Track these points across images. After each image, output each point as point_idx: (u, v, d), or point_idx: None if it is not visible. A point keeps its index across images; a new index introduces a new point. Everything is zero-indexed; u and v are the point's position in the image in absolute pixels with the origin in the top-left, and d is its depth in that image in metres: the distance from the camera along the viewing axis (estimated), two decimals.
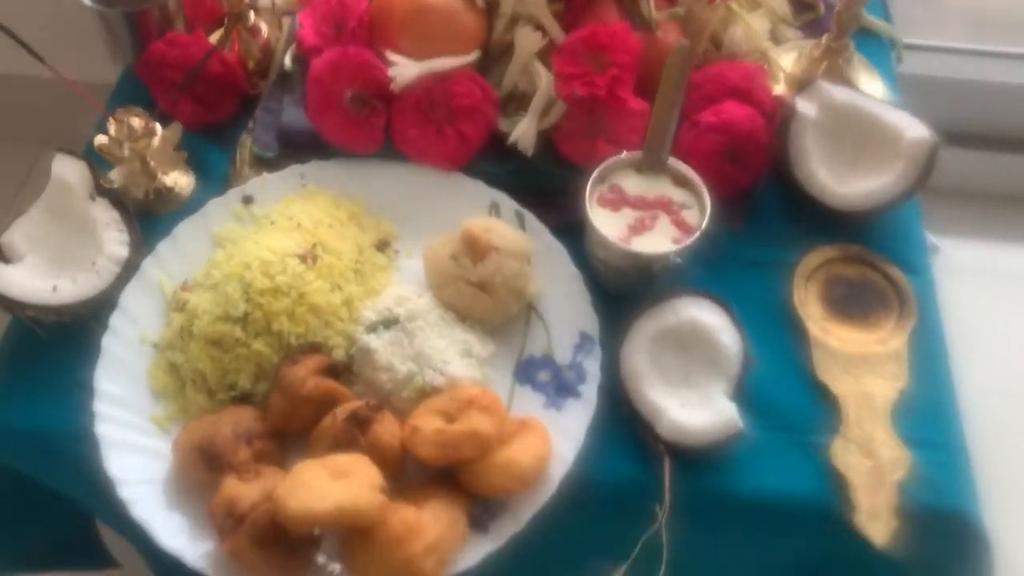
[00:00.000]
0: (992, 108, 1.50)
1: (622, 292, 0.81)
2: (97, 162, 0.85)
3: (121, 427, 0.73)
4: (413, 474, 0.72)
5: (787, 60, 0.94)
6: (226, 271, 0.76)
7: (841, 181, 0.85)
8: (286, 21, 0.97)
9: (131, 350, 0.77)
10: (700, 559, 0.76)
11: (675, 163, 0.79)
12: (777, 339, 0.80)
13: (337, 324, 0.77)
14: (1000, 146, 1.56)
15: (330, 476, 0.65)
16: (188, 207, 0.87)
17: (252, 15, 0.94)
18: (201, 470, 0.70)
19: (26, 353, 0.79)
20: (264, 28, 0.96)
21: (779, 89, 0.93)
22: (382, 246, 0.84)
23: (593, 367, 0.76)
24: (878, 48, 1.02)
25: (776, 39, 0.96)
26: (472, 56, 0.87)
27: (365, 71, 0.85)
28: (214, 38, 0.93)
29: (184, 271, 0.81)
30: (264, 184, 0.86)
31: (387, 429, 0.70)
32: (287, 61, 0.93)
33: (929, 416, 0.77)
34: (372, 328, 0.76)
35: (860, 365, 0.79)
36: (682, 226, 0.77)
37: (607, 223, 0.77)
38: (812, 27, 1.00)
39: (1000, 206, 1.58)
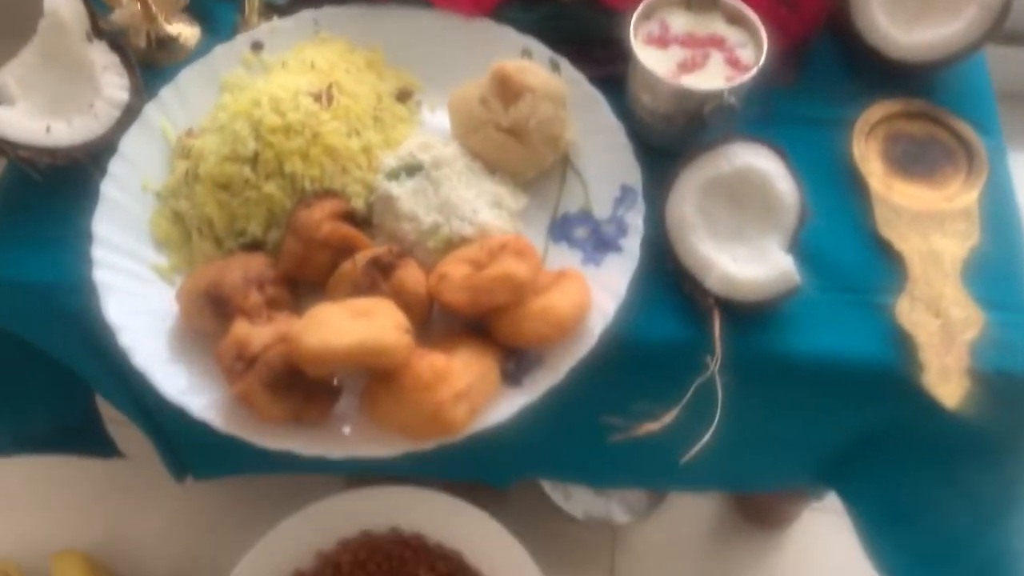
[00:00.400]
0: None
1: (668, 147, 0.74)
2: (98, 6, 0.78)
3: (121, 274, 0.67)
4: (440, 326, 0.66)
5: None
6: (234, 110, 0.69)
7: (905, 30, 0.78)
8: None
9: (132, 197, 0.71)
10: (752, 424, 0.70)
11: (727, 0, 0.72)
12: (836, 196, 0.74)
13: (355, 171, 0.70)
14: None
15: (350, 316, 0.59)
16: (194, 58, 0.80)
17: None
18: (208, 317, 0.64)
19: (22, 201, 0.73)
20: None
21: None
22: (403, 97, 0.77)
23: (635, 220, 0.70)
24: None
25: None
26: None
27: None
28: None
29: (189, 119, 0.75)
30: (274, 30, 0.79)
31: (411, 275, 0.64)
32: None
33: (1001, 276, 0.70)
34: (394, 175, 0.70)
35: (927, 222, 0.72)
36: (736, 64, 0.70)
37: (653, 61, 0.70)
38: None
39: None
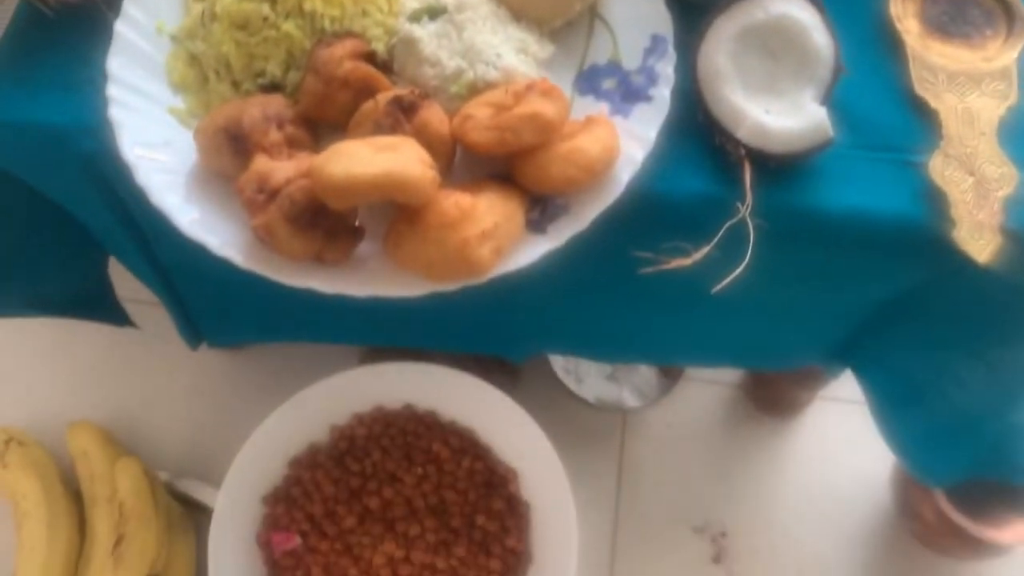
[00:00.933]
0: None
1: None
2: None
3: (137, 113, 0.65)
4: (464, 174, 0.65)
5: None
6: None
7: None
8: None
9: (147, 39, 0.69)
10: (777, 287, 0.69)
11: None
12: (871, 53, 0.72)
13: (376, 14, 0.68)
14: None
15: (374, 150, 0.57)
16: None
17: None
18: (227, 155, 0.62)
19: (35, 42, 0.70)
20: None
21: None
22: None
23: (666, 69, 0.67)
24: None
25: None
26: None
27: None
28: None
29: None
30: None
31: (435, 115, 0.62)
32: None
33: None
34: (416, 17, 0.68)
35: (964, 82, 0.70)
36: None
37: None
38: None
39: None
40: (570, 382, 1.11)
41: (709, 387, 1.15)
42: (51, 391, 1.15)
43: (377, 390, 1.01)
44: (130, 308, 0.95)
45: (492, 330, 0.85)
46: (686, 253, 0.59)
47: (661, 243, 0.62)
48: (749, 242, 0.59)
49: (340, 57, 0.63)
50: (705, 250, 0.59)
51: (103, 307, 0.92)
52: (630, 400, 1.11)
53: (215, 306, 0.85)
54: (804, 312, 0.77)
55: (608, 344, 0.86)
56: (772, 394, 1.11)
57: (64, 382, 1.15)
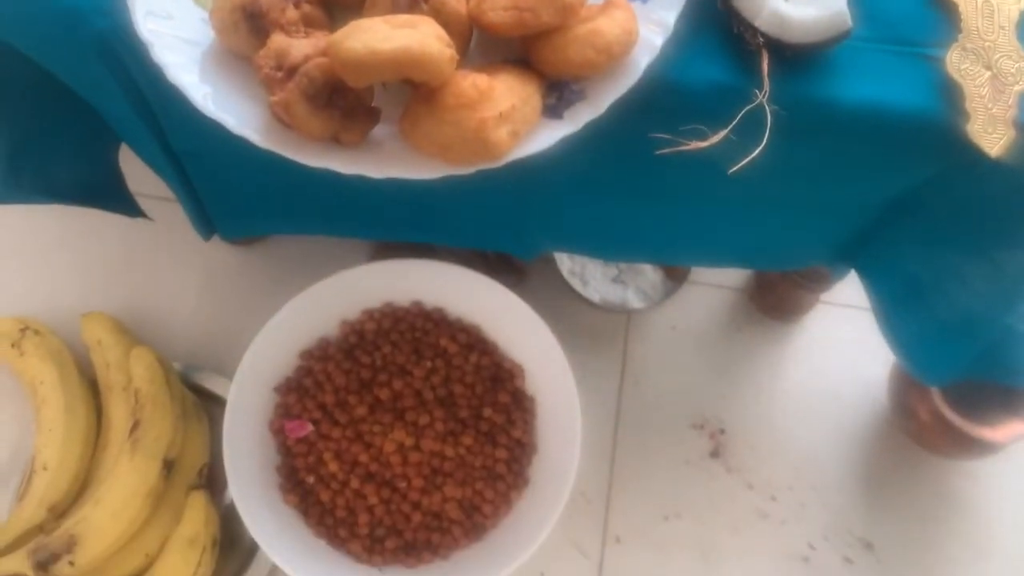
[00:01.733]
0: None
1: None
2: None
3: None
4: (480, 56, 0.65)
5: None
6: None
7: None
8: None
9: None
10: (788, 182, 0.70)
11: None
12: None
13: None
14: None
15: (392, 26, 0.57)
16: None
17: None
18: (244, 33, 0.62)
19: None
20: None
21: None
22: None
23: None
24: None
25: None
26: None
27: None
28: None
29: None
30: None
31: None
32: None
33: None
34: None
35: None
36: None
37: None
38: None
39: None
40: (576, 283, 1.13)
41: (713, 290, 1.16)
42: (65, 282, 1.16)
43: (386, 286, 1.02)
44: (142, 203, 0.95)
45: (503, 225, 0.86)
46: (703, 136, 0.59)
47: (678, 129, 0.62)
48: (766, 128, 0.60)
49: None
50: (723, 133, 0.60)
51: (114, 196, 0.92)
52: (634, 301, 1.12)
53: (228, 196, 0.85)
54: (813, 210, 0.77)
55: (619, 241, 0.87)
56: (775, 297, 1.13)
57: (78, 273, 1.16)
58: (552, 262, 1.12)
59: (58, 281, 1.16)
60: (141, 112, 0.74)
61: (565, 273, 1.13)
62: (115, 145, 0.87)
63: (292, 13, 0.61)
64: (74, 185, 0.88)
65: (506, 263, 1.10)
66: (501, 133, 0.59)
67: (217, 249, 1.11)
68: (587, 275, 1.14)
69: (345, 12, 0.65)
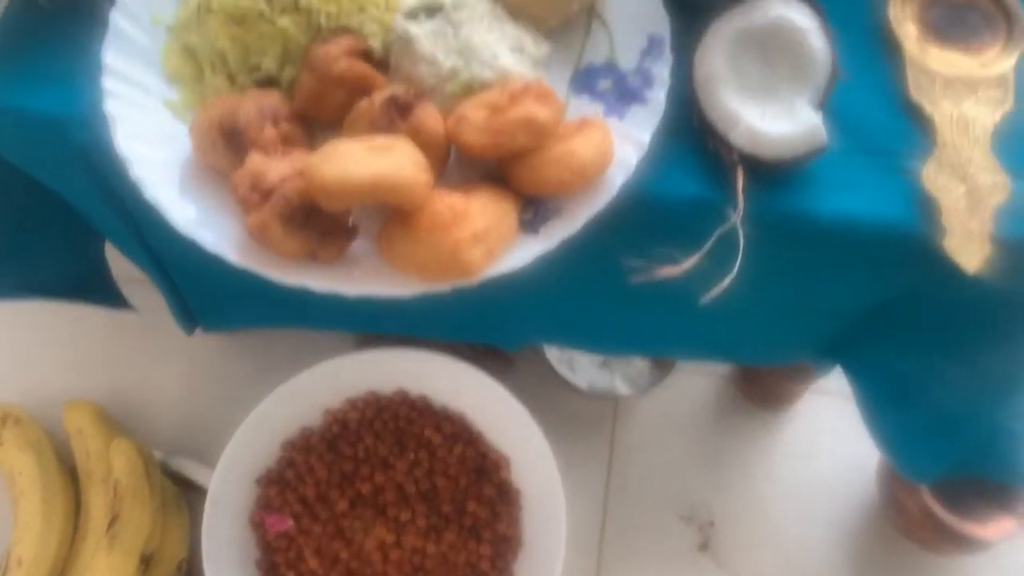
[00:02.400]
0: None
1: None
2: None
3: (133, 106, 0.65)
4: (457, 176, 0.65)
5: None
6: None
7: None
8: None
9: (142, 30, 0.69)
10: (768, 287, 0.70)
11: None
12: (868, 56, 0.71)
13: (373, 10, 0.68)
14: None
15: (369, 151, 0.58)
16: None
17: None
18: (221, 150, 0.62)
19: (29, 31, 0.70)
20: None
21: None
22: None
23: (662, 71, 0.67)
24: None
25: None
26: None
27: None
28: None
29: None
30: None
31: (430, 116, 0.62)
32: None
33: None
34: (412, 14, 0.67)
35: (960, 88, 0.70)
36: None
37: None
38: None
39: None
40: (564, 370, 1.12)
41: (701, 378, 1.16)
42: (48, 370, 1.16)
43: (370, 375, 1.02)
44: (127, 287, 0.95)
45: (485, 322, 0.86)
46: (676, 261, 0.59)
47: (653, 247, 0.62)
48: (739, 252, 0.60)
49: (336, 55, 0.63)
50: (694, 259, 0.60)
51: (101, 291, 0.92)
52: (622, 388, 1.12)
53: (210, 295, 0.85)
54: (794, 313, 0.77)
55: (599, 338, 0.87)
56: (762, 387, 1.12)
57: (61, 361, 1.16)
58: (540, 349, 1.12)
59: (43, 368, 1.16)
60: (123, 218, 0.74)
61: (553, 359, 1.13)
62: (101, 241, 0.88)
63: (270, 132, 0.62)
64: (60, 282, 0.88)
65: (493, 351, 1.10)
66: (476, 253, 0.59)
67: (201, 337, 1.11)
68: (575, 361, 1.14)
69: (325, 129, 0.66)
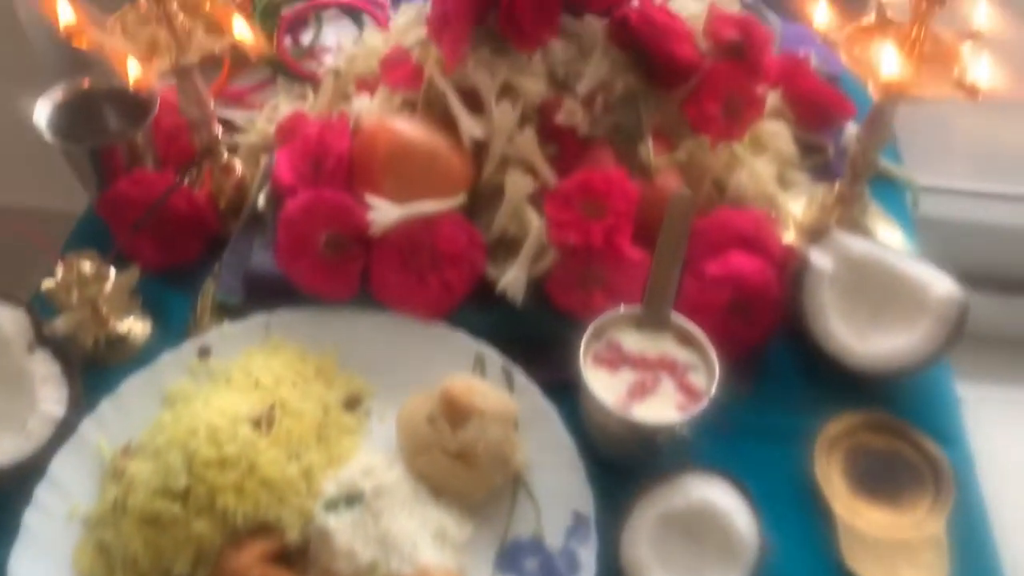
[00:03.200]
0: (1007, 251, 1.44)
1: (622, 462, 0.72)
2: (46, 308, 0.78)
3: None
4: None
5: (796, 206, 0.88)
6: (170, 436, 0.67)
7: (862, 338, 0.77)
8: (264, 158, 0.91)
9: (56, 528, 0.67)
10: None
11: (678, 319, 0.72)
12: (798, 521, 0.71)
13: (293, 499, 0.67)
14: (1015, 290, 1.49)
15: None
16: (143, 356, 0.79)
17: (225, 152, 0.88)
18: None
19: None
20: (239, 166, 0.90)
21: (789, 237, 0.86)
22: (352, 404, 0.76)
23: (587, 557, 0.66)
24: (891, 192, 0.95)
25: (784, 183, 0.90)
26: (458, 199, 0.81)
27: (341, 214, 0.78)
28: (186, 174, 0.87)
29: (128, 432, 0.72)
30: (224, 335, 0.78)
31: None
32: (260, 200, 0.86)
33: None
34: (332, 505, 0.67)
35: (894, 553, 0.69)
36: (688, 391, 0.69)
37: (604, 385, 0.69)
38: (821, 170, 0.94)
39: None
40: None
41: None
42: None
43: None
44: None
45: None
46: None
47: None
48: None
49: (248, 565, 0.62)
50: None
51: None
52: None
53: None
54: None
55: None
56: None
57: None
58: None
59: None
60: None
61: None
62: None
63: None
64: None
65: None
66: None
67: None
68: None
69: None
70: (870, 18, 0.79)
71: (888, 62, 0.71)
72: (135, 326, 0.81)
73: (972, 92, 0.72)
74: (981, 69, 0.72)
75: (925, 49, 0.75)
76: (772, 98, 0.92)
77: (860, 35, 0.78)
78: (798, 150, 0.93)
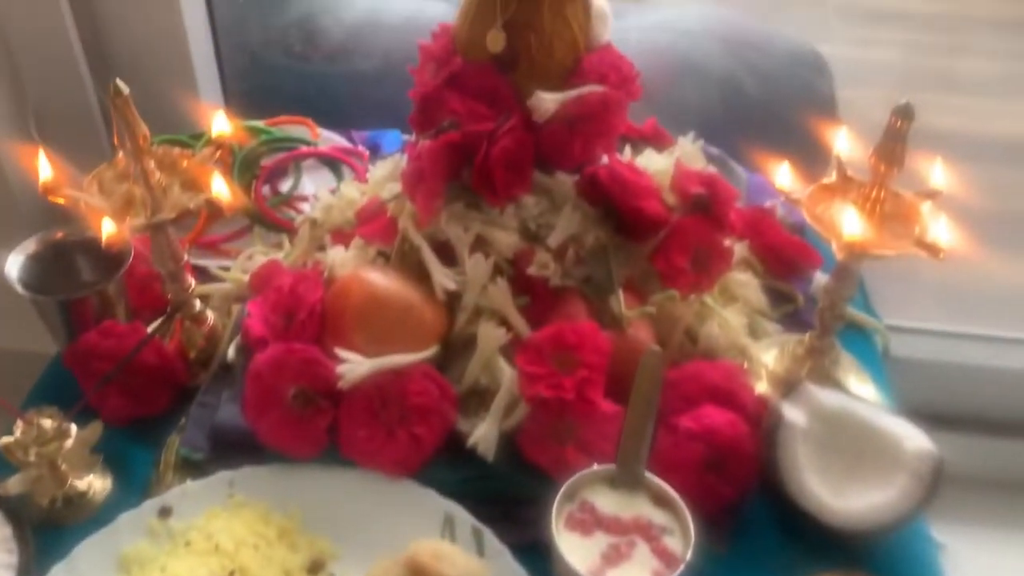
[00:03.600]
0: (980, 392, 1.44)
1: None
2: (1, 466, 0.75)
3: None
4: None
5: (768, 356, 0.88)
6: None
7: (838, 495, 0.76)
8: (237, 307, 0.91)
9: None
10: None
11: (652, 479, 0.70)
12: None
13: None
14: (991, 430, 1.49)
15: None
16: (102, 515, 0.76)
17: (198, 303, 0.88)
18: None
19: None
20: (211, 316, 0.90)
21: (761, 387, 0.86)
22: (315, 568, 0.73)
23: None
24: (861, 338, 0.96)
25: (754, 333, 0.91)
26: (430, 351, 0.80)
27: (310, 368, 0.78)
28: (156, 327, 0.87)
29: None
30: (186, 493, 0.75)
31: None
32: (231, 352, 0.86)
33: None
34: None
35: None
36: (664, 555, 0.67)
37: (577, 550, 0.67)
38: (792, 318, 0.95)
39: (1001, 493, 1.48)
40: None
41: None
42: None
43: None
44: None
45: None
46: None
47: None
48: None
49: None
50: None
51: None
52: None
53: None
54: None
55: None
56: None
57: None
58: None
59: None
60: None
61: None
62: None
63: None
64: None
65: None
66: None
67: None
68: None
69: None
70: (831, 177, 0.81)
71: (850, 223, 0.73)
72: (95, 483, 0.79)
73: (934, 251, 0.74)
74: (940, 229, 0.74)
75: (886, 208, 0.78)
76: (740, 249, 0.94)
77: (822, 194, 0.81)
78: (768, 298, 0.94)
